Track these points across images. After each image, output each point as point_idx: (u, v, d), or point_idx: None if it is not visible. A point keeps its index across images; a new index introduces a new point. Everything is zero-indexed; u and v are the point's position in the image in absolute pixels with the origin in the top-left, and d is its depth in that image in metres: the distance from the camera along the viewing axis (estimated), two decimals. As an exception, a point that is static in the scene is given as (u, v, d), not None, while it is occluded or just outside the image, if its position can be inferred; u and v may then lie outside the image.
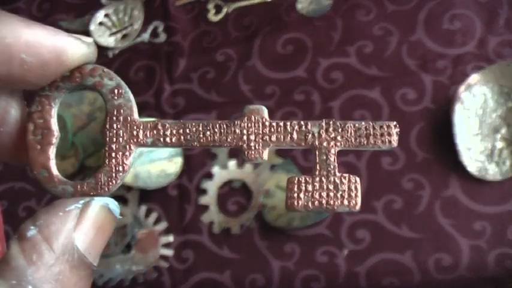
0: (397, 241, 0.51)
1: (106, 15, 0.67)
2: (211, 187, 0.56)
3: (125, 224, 0.56)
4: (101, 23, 0.67)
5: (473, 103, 0.52)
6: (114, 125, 0.17)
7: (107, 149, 0.17)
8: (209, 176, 0.57)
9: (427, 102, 0.55)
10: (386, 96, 0.56)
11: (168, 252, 0.55)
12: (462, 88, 0.53)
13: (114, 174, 0.17)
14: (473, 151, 0.51)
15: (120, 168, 0.17)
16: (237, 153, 0.57)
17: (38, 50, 0.16)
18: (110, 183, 0.17)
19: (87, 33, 0.66)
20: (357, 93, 0.57)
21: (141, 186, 0.57)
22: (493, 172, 0.50)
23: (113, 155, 0.17)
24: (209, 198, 0.56)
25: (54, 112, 0.17)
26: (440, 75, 0.55)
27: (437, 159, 0.52)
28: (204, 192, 0.57)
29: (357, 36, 0.59)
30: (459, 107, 0.52)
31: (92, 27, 0.66)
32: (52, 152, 0.17)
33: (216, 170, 0.57)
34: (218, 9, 0.65)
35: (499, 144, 0.51)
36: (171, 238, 0.56)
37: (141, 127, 0.17)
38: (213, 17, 0.64)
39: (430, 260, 0.49)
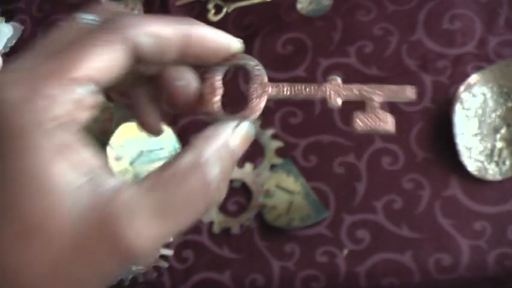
0: (397, 241, 0.51)
1: None
2: (211, 187, 0.56)
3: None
4: None
5: (473, 103, 0.52)
6: (255, 85, 0.28)
7: (249, 97, 0.28)
8: (209, 176, 0.57)
9: (427, 102, 0.55)
10: (386, 96, 0.56)
11: (168, 252, 0.55)
12: (462, 88, 0.53)
13: (254, 110, 0.27)
14: (473, 151, 0.51)
15: (257, 107, 0.27)
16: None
17: (217, 45, 0.27)
18: (252, 114, 0.27)
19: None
20: (356, 93, 0.57)
21: (141, 186, 0.57)
22: (492, 172, 0.50)
23: (253, 100, 0.28)
24: (209, 198, 0.56)
25: (219, 78, 0.28)
26: (440, 75, 0.55)
27: (437, 159, 0.53)
28: (204, 192, 0.57)
29: (357, 36, 0.59)
30: (459, 107, 0.52)
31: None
32: (218, 101, 0.27)
33: (216, 170, 0.57)
34: (218, 9, 0.65)
35: (499, 144, 0.51)
36: (170, 238, 0.56)
37: (270, 85, 0.29)
38: (213, 17, 0.64)
39: (430, 260, 0.49)
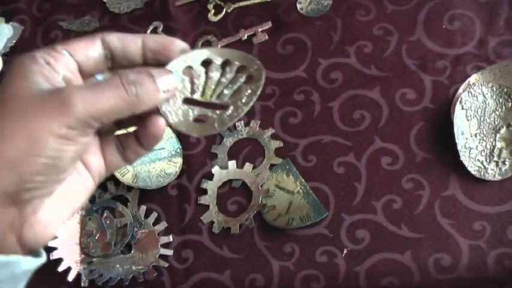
0: (396, 241, 0.51)
1: None
2: (211, 187, 0.57)
3: (124, 223, 0.56)
4: None
5: (473, 103, 0.52)
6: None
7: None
8: (209, 176, 0.57)
9: (427, 102, 0.55)
10: (385, 96, 0.56)
11: (168, 252, 0.55)
12: (462, 88, 0.54)
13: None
14: (473, 151, 0.51)
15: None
16: (236, 154, 0.58)
17: (166, 41, 0.35)
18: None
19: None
20: (356, 93, 0.57)
21: (141, 186, 0.57)
22: (492, 172, 0.50)
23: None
24: (209, 198, 0.56)
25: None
26: (439, 75, 0.55)
27: (437, 159, 0.53)
28: (204, 192, 0.57)
29: (357, 36, 0.59)
30: (459, 107, 0.52)
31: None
32: None
33: (216, 170, 0.57)
34: (218, 9, 0.65)
35: (499, 144, 0.51)
36: (170, 238, 0.56)
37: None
38: (213, 17, 0.64)
39: (429, 260, 0.49)
